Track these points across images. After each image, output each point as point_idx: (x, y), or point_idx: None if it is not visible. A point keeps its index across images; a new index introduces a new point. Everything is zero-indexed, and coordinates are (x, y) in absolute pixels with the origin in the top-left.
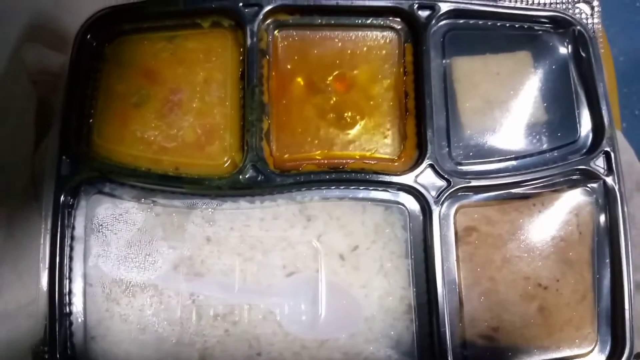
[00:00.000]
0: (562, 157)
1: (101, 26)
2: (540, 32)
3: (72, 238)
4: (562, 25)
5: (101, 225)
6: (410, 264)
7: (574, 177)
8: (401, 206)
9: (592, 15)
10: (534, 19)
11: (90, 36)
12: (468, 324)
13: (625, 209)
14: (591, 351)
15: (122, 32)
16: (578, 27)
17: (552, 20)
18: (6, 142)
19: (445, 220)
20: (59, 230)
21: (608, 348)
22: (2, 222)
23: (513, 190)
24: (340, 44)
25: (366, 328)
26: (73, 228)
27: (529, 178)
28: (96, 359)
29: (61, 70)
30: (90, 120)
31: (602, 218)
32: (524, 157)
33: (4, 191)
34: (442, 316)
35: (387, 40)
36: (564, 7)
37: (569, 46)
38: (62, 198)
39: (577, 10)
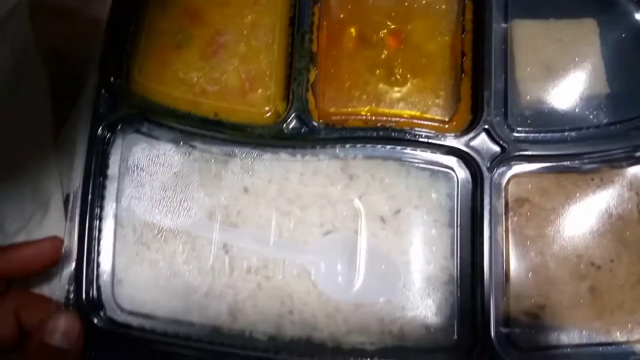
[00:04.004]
0: (624, 132)
1: None
2: None
3: (106, 177)
4: None
5: (136, 165)
6: (455, 233)
7: (636, 153)
8: (449, 171)
9: None
10: None
11: None
12: (513, 300)
13: None
14: None
15: None
16: None
17: None
18: None
19: (497, 189)
20: (92, 166)
21: None
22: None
23: (570, 163)
24: None
25: (404, 296)
26: (107, 166)
27: (587, 150)
28: (121, 304)
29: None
30: (132, 57)
31: None
32: (583, 129)
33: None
34: (486, 290)
35: None
36: None
37: None
38: (98, 132)
39: None
